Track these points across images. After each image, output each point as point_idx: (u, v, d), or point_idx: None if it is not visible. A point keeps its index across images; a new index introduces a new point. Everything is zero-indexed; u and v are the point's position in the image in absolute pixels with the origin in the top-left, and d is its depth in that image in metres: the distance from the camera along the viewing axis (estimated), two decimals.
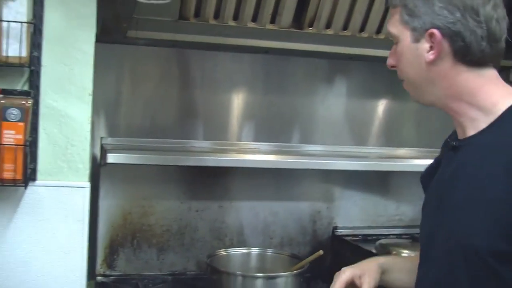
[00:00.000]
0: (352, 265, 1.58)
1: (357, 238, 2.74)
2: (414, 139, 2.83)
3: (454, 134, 1.35)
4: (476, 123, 1.26)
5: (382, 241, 2.52)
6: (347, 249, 2.68)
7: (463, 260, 1.20)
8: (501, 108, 1.23)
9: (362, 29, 2.19)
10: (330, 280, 2.52)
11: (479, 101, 1.25)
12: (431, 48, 1.26)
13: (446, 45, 1.25)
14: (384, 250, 2.40)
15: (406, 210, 2.86)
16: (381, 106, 2.79)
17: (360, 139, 2.77)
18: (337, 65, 2.67)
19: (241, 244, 2.53)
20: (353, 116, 2.74)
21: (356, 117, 2.75)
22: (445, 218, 1.26)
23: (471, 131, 1.27)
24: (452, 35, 1.24)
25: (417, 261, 1.40)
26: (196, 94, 2.54)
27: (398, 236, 2.73)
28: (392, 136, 2.82)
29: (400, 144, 2.79)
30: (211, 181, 2.56)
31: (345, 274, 1.51)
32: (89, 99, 1.69)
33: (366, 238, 2.74)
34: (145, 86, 2.44)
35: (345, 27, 2.18)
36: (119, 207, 2.43)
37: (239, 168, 2.54)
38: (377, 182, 2.80)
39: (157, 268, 2.54)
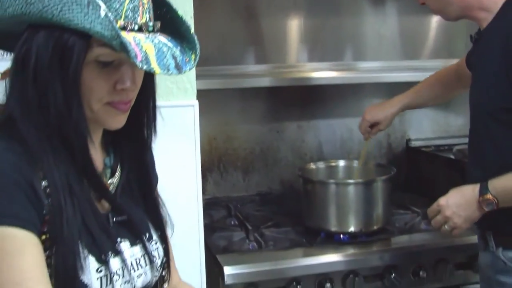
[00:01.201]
0: (374, 108, 2.21)
1: (430, 149, 2.81)
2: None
3: (478, 30, 1.78)
4: (486, 21, 1.71)
5: (459, 147, 2.58)
6: (423, 160, 2.76)
7: (479, 115, 1.73)
8: (499, 6, 1.68)
9: None
10: (408, 189, 2.64)
11: (485, 5, 1.70)
12: None
13: None
14: (463, 155, 2.46)
15: None
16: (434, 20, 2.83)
17: (413, 53, 2.83)
18: None
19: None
20: (407, 32, 2.79)
21: (410, 32, 2.80)
22: (472, 87, 1.79)
23: (484, 26, 1.72)
24: None
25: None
26: (259, 20, 2.60)
27: None
28: (445, 48, 2.86)
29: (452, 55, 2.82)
30: (288, 102, 2.65)
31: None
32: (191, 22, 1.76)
33: (439, 148, 2.80)
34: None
35: None
36: (204, 133, 2.52)
37: (312, 88, 2.62)
38: None
39: (243, 189, 2.66)
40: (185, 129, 1.79)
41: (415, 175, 2.75)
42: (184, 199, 1.81)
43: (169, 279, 1.24)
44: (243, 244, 2.13)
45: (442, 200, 1.80)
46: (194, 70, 1.81)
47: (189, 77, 1.77)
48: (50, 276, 0.95)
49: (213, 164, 2.60)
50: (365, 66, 2.73)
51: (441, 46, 2.87)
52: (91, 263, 1.00)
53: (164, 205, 1.24)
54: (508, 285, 1.74)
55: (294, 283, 1.95)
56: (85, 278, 0.98)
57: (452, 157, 2.55)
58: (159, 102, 1.19)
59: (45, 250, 0.96)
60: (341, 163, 2.38)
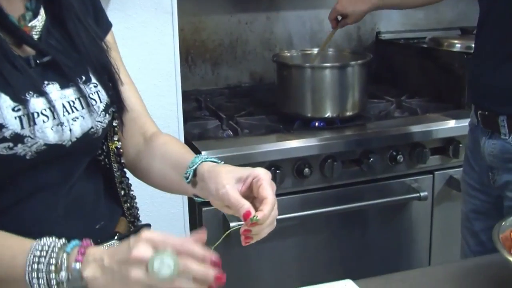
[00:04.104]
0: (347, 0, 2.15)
1: (400, 42, 2.76)
2: None
3: None
4: None
5: (431, 36, 2.54)
6: (394, 51, 2.72)
7: None
8: None
9: None
10: (379, 81, 2.60)
11: None
12: None
13: None
14: (437, 43, 2.43)
15: (445, 10, 2.87)
16: None
17: None
18: None
19: None
20: None
21: None
22: None
23: None
24: None
25: None
26: None
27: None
28: None
29: None
30: None
31: None
32: None
33: (408, 42, 2.76)
34: None
35: None
36: None
37: None
38: None
39: (213, 82, 2.58)
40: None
41: (385, 67, 2.71)
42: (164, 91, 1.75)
43: (122, 131, 1.17)
44: (218, 132, 2.08)
45: None
46: None
47: None
48: None
49: (180, 57, 2.49)
50: None
51: None
52: (5, 101, 0.92)
53: (110, 56, 1.14)
54: None
55: (273, 168, 1.91)
56: None
57: (425, 45, 2.51)
58: None
59: None
60: (315, 51, 2.31)
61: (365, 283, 1.14)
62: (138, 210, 1.26)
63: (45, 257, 0.86)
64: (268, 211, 0.93)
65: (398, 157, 2.06)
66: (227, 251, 1.83)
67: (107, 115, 1.09)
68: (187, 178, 1.06)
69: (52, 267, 0.85)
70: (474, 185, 1.73)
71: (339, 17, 2.19)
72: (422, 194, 2.09)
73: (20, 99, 0.94)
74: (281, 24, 2.62)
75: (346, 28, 2.68)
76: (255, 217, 0.91)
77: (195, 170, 1.05)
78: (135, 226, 1.23)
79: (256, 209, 0.95)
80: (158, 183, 1.19)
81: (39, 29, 1.04)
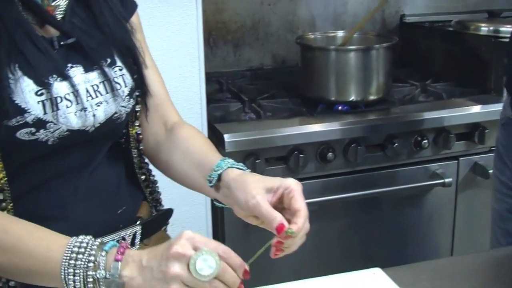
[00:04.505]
0: None
1: (425, 25, 2.71)
2: None
3: None
4: None
5: (457, 19, 2.49)
6: (418, 34, 2.67)
7: None
8: None
9: None
10: (403, 65, 2.56)
11: None
12: None
13: None
14: (463, 26, 2.38)
15: None
16: None
17: None
18: None
19: None
20: None
21: None
22: None
23: None
24: None
25: None
26: None
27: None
28: None
29: None
30: None
31: None
32: None
33: (433, 25, 2.71)
34: None
35: None
36: None
37: None
38: None
39: (235, 64, 2.56)
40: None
41: (410, 50, 2.67)
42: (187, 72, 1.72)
43: (146, 115, 1.14)
44: (240, 114, 2.06)
45: None
46: None
47: None
48: None
49: None
50: None
51: None
52: (28, 85, 0.90)
53: (135, 37, 1.11)
54: None
55: (296, 152, 1.89)
56: (20, 101, 0.89)
57: (451, 29, 2.46)
58: None
59: None
60: (340, 33, 2.28)
61: (394, 271, 1.12)
62: (160, 194, 1.24)
63: (83, 254, 0.85)
64: (302, 224, 0.91)
65: (422, 143, 2.03)
66: (245, 239, 1.82)
67: (131, 99, 1.06)
68: (210, 182, 1.03)
69: (91, 264, 0.84)
70: (508, 183, 1.62)
71: None
72: (446, 180, 2.06)
73: (43, 83, 0.92)
74: (304, 6, 2.58)
75: (370, 10, 2.65)
76: (290, 230, 0.88)
77: (220, 175, 1.02)
78: (157, 211, 1.22)
79: (287, 221, 0.92)
80: (178, 178, 1.15)
81: (62, 9, 1.01)
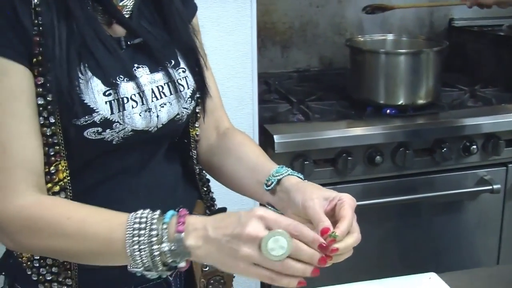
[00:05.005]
0: None
1: (474, 30, 2.69)
2: None
3: None
4: None
5: (508, 24, 2.47)
6: (468, 39, 2.65)
7: None
8: None
9: None
10: (451, 69, 2.54)
11: None
12: None
13: None
14: None
15: None
16: None
17: None
18: None
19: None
20: None
21: None
22: None
23: None
24: None
25: None
26: None
27: None
28: None
29: None
30: None
31: None
32: None
33: (482, 29, 2.68)
34: None
35: None
36: None
37: None
38: None
39: (282, 65, 2.57)
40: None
41: (458, 54, 2.64)
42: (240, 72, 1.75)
43: (203, 117, 1.15)
44: (289, 116, 2.07)
45: None
46: None
47: None
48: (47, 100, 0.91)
49: None
50: None
51: None
52: (97, 85, 0.91)
53: (198, 38, 1.13)
54: None
55: (344, 154, 1.89)
56: (89, 101, 0.90)
57: (501, 33, 2.43)
58: None
59: (39, 74, 0.90)
60: (389, 37, 2.27)
61: (449, 277, 1.12)
62: (213, 193, 1.26)
63: (144, 229, 0.86)
64: (345, 229, 0.90)
65: (471, 148, 2.02)
66: None
67: (193, 101, 1.08)
68: (267, 185, 1.04)
69: (154, 239, 0.85)
70: None
71: None
72: (495, 186, 2.04)
73: (111, 83, 0.93)
74: (352, 8, 2.58)
75: (418, 13, 2.64)
76: (333, 233, 0.89)
77: (279, 180, 1.03)
78: (211, 210, 1.23)
79: None
80: (230, 182, 1.16)
81: (129, 9, 1.02)
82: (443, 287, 1.06)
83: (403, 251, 2.06)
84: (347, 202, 0.94)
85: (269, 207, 1.07)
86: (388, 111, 2.06)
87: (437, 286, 1.07)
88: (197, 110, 1.14)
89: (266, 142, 1.87)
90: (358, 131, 1.91)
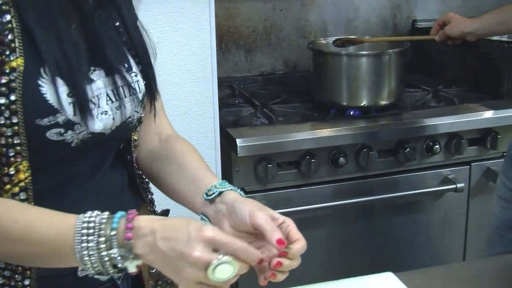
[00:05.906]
0: None
1: None
2: None
3: None
4: None
5: None
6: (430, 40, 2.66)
7: None
8: None
9: None
10: (415, 70, 2.56)
11: None
12: None
13: None
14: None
15: None
16: None
17: None
18: None
19: None
20: None
21: None
22: None
23: None
24: None
25: None
26: None
27: None
28: None
29: None
30: None
31: None
32: None
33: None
34: None
35: None
36: None
37: None
38: None
39: (246, 69, 2.57)
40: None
41: (421, 55, 2.66)
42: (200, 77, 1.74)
43: (155, 121, 1.15)
44: (252, 119, 2.06)
45: None
46: None
47: None
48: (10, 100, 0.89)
49: None
50: None
51: None
52: (61, 86, 0.91)
53: (150, 39, 1.12)
54: None
55: (308, 156, 1.89)
56: (53, 101, 0.90)
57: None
58: None
59: (2, 73, 0.88)
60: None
61: (406, 276, 1.12)
62: (153, 195, 1.25)
63: (93, 235, 0.85)
64: (301, 248, 0.90)
65: (434, 148, 2.03)
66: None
67: (142, 105, 1.08)
68: (208, 195, 1.03)
69: (102, 245, 0.84)
70: None
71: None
72: (458, 185, 2.06)
73: (75, 85, 0.93)
74: (316, 11, 2.58)
75: (382, 15, 2.66)
76: (290, 247, 0.88)
77: (221, 192, 1.02)
78: (155, 212, 1.22)
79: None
80: (167, 189, 1.15)
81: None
82: (398, 286, 1.06)
83: (368, 252, 2.07)
84: (294, 226, 0.94)
85: (203, 216, 1.06)
86: (351, 112, 2.06)
87: (393, 285, 1.07)
88: (141, 115, 1.13)
89: (229, 146, 1.86)
90: (322, 133, 1.92)
